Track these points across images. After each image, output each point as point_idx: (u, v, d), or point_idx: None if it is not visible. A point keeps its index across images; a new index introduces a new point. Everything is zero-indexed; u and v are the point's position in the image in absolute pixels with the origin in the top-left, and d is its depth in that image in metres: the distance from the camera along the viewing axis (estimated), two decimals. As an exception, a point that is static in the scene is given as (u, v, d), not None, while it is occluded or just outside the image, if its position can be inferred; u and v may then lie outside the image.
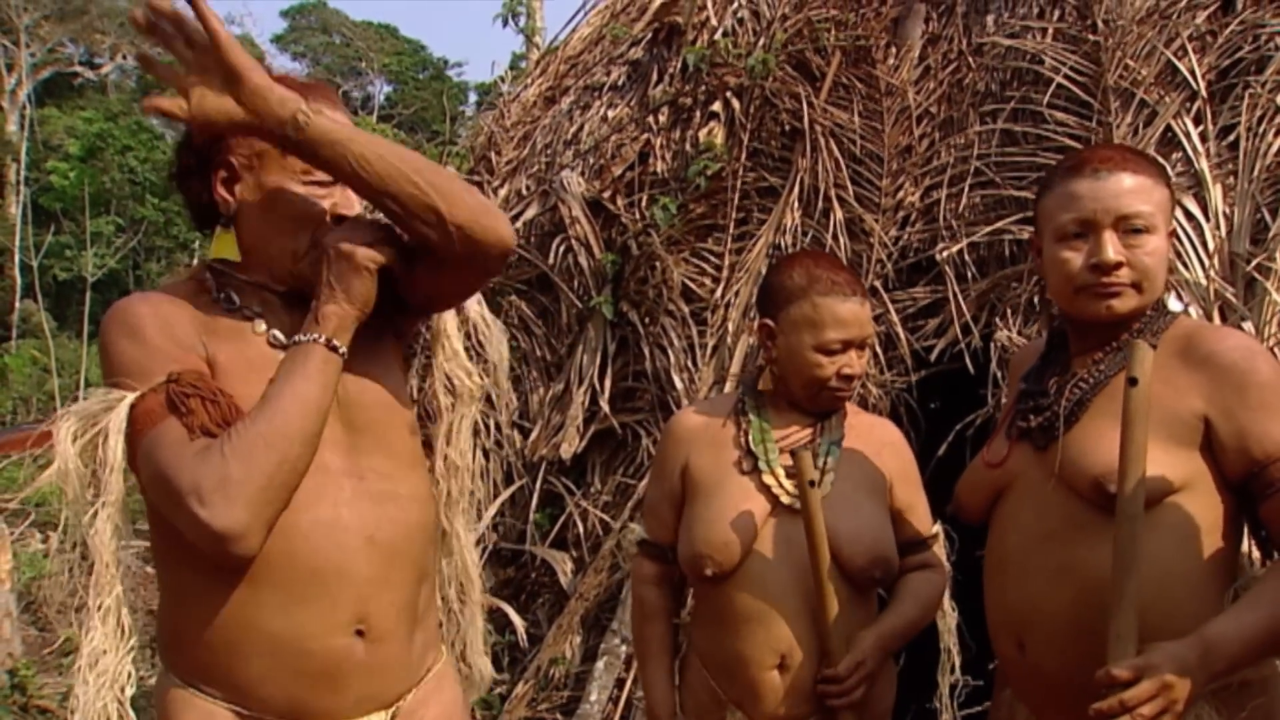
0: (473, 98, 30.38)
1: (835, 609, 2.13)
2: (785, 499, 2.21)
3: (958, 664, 2.53)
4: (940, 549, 2.42)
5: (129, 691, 1.58)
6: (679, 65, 5.30)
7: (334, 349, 1.70)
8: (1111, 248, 1.87)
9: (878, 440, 2.36)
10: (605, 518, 4.52)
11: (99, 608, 1.59)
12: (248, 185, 1.76)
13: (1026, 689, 2.00)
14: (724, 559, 2.19)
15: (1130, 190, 1.88)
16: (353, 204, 1.82)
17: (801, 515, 2.15)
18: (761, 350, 2.37)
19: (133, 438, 1.60)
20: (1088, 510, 1.83)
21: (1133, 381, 1.71)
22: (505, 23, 7.54)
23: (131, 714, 1.58)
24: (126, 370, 1.65)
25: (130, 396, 1.61)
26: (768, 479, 2.24)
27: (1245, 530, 1.90)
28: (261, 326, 1.77)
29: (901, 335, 4.29)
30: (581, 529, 4.56)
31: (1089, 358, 1.96)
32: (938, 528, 2.40)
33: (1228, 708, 1.75)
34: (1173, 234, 1.98)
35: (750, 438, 2.30)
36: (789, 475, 2.23)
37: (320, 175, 1.75)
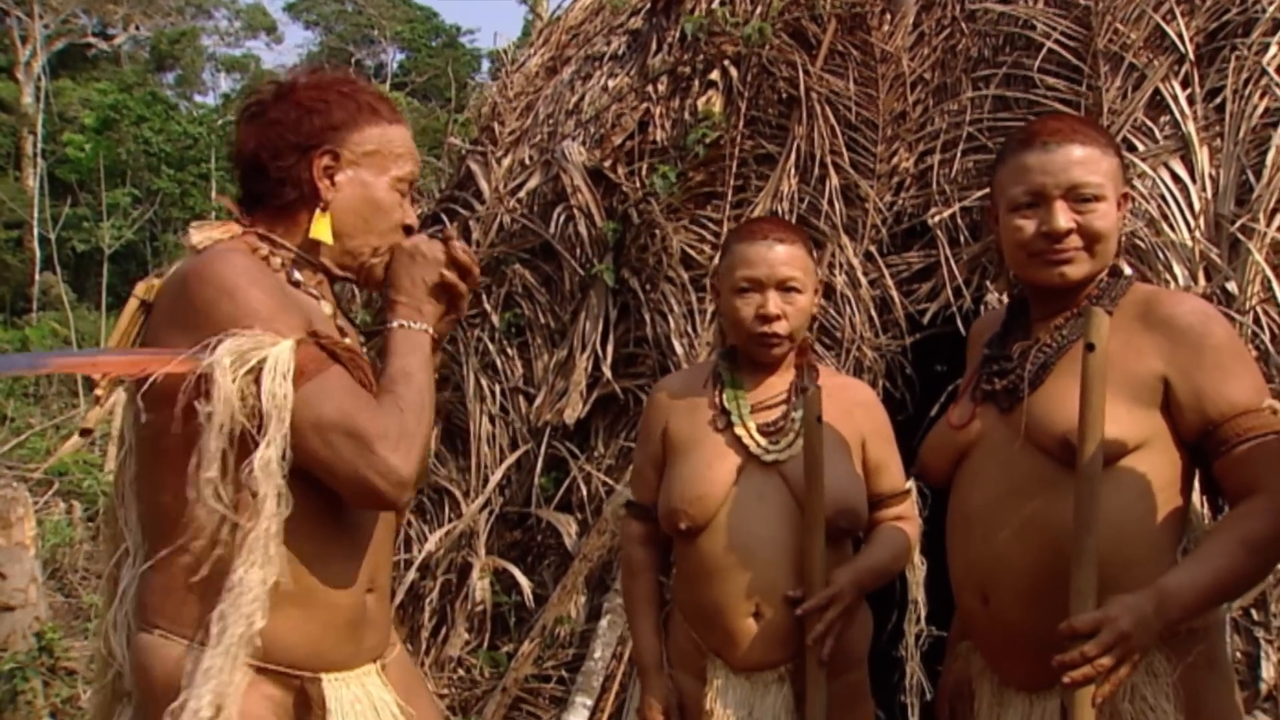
0: (486, 65, 30.28)
1: (821, 546, 2.21)
2: (755, 449, 2.30)
3: (924, 614, 2.63)
4: (912, 504, 2.50)
5: (260, 624, 1.63)
6: (677, 34, 5.35)
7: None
8: (1062, 216, 1.95)
9: (850, 400, 2.43)
10: (608, 481, 4.60)
11: (260, 537, 1.62)
12: (348, 178, 1.86)
13: (988, 641, 2.09)
14: (697, 513, 2.29)
15: (1078, 161, 1.95)
16: (414, 217, 1.97)
17: (775, 467, 2.28)
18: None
19: (295, 381, 1.63)
20: (1052, 467, 1.92)
21: (1090, 347, 1.80)
22: (509, -8, 7.55)
23: (259, 643, 1.64)
24: (266, 319, 1.66)
25: (290, 341, 1.65)
26: (739, 431, 2.32)
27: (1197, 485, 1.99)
28: (328, 309, 1.88)
29: (896, 299, 4.36)
30: (585, 492, 4.65)
31: (1050, 323, 2.05)
32: (911, 484, 2.48)
33: (1176, 654, 1.85)
34: (1128, 198, 2.04)
35: (723, 396, 2.39)
36: (760, 430, 2.32)
37: (406, 185, 1.92)
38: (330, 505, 1.73)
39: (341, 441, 1.64)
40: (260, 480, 1.61)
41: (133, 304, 1.82)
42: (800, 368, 2.43)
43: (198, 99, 31.35)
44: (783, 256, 2.32)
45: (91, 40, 28.24)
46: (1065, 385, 1.92)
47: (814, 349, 4.19)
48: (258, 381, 1.61)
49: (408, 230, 1.94)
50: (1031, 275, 2.04)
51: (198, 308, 1.68)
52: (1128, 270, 2.05)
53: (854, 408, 2.42)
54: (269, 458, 1.61)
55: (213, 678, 1.60)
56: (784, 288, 2.33)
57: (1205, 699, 1.88)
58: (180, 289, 1.73)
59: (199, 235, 1.81)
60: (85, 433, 1.93)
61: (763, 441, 2.31)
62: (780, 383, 2.39)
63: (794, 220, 4.55)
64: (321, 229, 1.84)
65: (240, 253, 1.76)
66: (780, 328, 2.33)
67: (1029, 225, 1.99)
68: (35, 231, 20.28)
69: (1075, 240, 1.96)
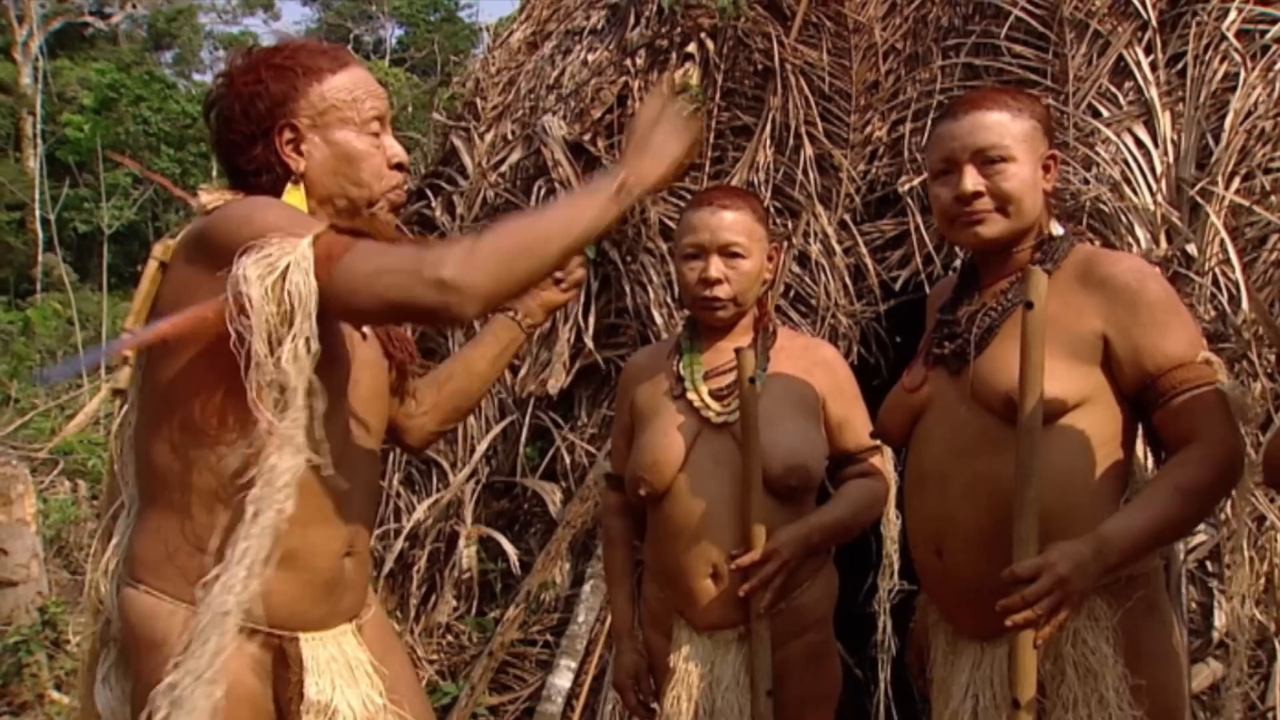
0: (485, 39, 30.07)
1: (759, 502, 2.27)
2: (705, 412, 2.37)
3: (896, 570, 2.69)
4: (886, 460, 2.56)
5: (290, 511, 1.65)
6: (655, 8, 5.39)
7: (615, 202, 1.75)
8: (969, 179, 2.04)
9: (810, 359, 2.49)
10: (591, 449, 4.67)
11: (291, 426, 1.63)
12: (314, 143, 1.87)
13: (941, 592, 2.18)
14: (654, 479, 2.36)
15: (985, 126, 2.04)
16: (401, 151, 1.96)
17: (728, 429, 2.33)
18: None
19: (325, 267, 1.63)
20: (998, 426, 1.99)
21: (1028, 305, 1.88)
22: (493, -33, 7.59)
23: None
24: (287, 229, 1.66)
25: (307, 237, 1.63)
26: (691, 396, 2.39)
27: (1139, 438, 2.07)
28: None
29: (870, 266, 4.43)
30: (569, 460, 4.72)
31: (996, 287, 2.13)
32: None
33: (1116, 599, 1.94)
34: (1053, 160, 2.11)
35: (680, 364, 2.46)
36: (713, 395, 2.38)
37: (377, 123, 1.91)
38: (316, 471, 1.74)
39: (390, 279, 1.63)
40: (289, 373, 1.62)
41: (152, 266, 1.83)
42: (757, 331, 2.48)
43: (196, 77, 31.27)
44: (725, 222, 2.38)
45: (89, 19, 28.13)
46: (1009, 347, 1.99)
47: (784, 314, 4.28)
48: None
49: (399, 167, 1.94)
50: (954, 237, 2.15)
51: (218, 240, 1.69)
52: (1058, 230, 2.12)
53: (813, 366, 2.47)
54: (297, 349, 1.62)
55: (248, 557, 1.62)
56: (726, 252, 2.38)
57: (1144, 642, 1.96)
58: (199, 233, 1.76)
59: (208, 197, 1.83)
60: (118, 393, 1.92)
61: (713, 404, 2.37)
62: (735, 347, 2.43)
63: (769, 190, 4.63)
64: (294, 200, 1.85)
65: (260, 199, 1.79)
66: (722, 291, 2.38)
67: (945, 191, 2.09)
68: (38, 213, 20.29)
69: (986, 202, 2.05)
